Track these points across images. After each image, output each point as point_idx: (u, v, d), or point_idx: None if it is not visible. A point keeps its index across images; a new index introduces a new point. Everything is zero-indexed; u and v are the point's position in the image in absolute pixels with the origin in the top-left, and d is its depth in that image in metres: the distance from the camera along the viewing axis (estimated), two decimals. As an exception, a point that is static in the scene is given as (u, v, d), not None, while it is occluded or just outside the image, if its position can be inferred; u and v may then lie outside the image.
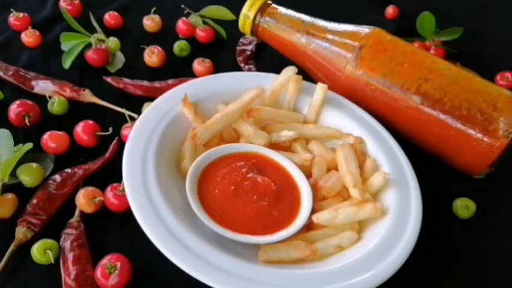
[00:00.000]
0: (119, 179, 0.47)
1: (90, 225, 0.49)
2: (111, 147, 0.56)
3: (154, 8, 0.76)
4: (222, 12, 0.74)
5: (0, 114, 0.58)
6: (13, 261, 0.45)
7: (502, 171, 0.57)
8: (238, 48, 0.74)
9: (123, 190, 0.48)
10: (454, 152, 0.56)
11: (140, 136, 0.49)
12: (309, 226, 0.48)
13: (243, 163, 0.50)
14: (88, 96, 0.61)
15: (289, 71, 0.58)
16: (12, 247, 0.46)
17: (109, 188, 0.50)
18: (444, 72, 0.56)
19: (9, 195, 0.49)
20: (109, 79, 0.64)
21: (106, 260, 0.44)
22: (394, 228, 0.46)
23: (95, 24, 0.70)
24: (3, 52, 0.68)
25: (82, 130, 0.56)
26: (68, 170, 0.53)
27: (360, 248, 0.45)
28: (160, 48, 0.69)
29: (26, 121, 0.56)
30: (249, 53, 0.73)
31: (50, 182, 0.51)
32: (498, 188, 0.58)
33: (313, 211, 0.48)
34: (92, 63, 0.67)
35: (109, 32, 0.72)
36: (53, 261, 0.45)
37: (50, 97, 0.60)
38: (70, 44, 0.67)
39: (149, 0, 0.80)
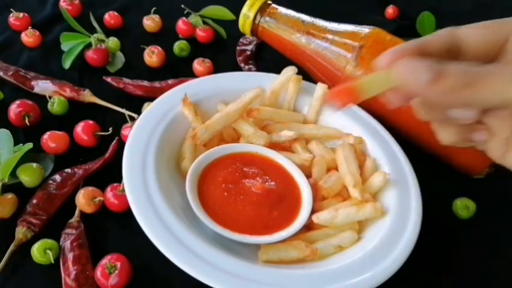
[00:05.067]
0: (119, 179, 0.47)
1: (90, 225, 0.49)
2: (111, 147, 0.56)
3: (154, 8, 0.76)
4: (222, 12, 0.74)
5: (0, 114, 0.58)
6: (13, 261, 0.45)
7: (502, 171, 0.57)
8: (238, 48, 0.74)
9: (123, 190, 0.48)
10: (454, 151, 0.56)
11: (140, 136, 0.49)
12: (309, 226, 0.48)
13: (242, 163, 0.50)
14: (88, 96, 0.61)
15: (289, 71, 0.58)
16: (12, 247, 0.46)
17: (109, 188, 0.50)
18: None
19: (9, 195, 0.49)
20: (109, 79, 0.64)
21: (106, 260, 0.44)
22: (394, 228, 0.46)
23: (95, 24, 0.70)
24: (3, 52, 0.68)
25: (82, 130, 0.56)
26: (68, 170, 0.53)
27: (360, 248, 0.45)
28: (160, 48, 0.69)
29: (26, 121, 0.56)
30: (249, 53, 0.73)
31: (50, 182, 0.51)
32: (498, 188, 0.58)
33: (314, 211, 0.48)
34: (92, 63, 0.67)
35: (109, 32, 0.72)
36: (53, 261, 0.45)
37: (50, 97, 0.60)
38: (70, 44, 0.67)
39: (149, 0, 0.80)
